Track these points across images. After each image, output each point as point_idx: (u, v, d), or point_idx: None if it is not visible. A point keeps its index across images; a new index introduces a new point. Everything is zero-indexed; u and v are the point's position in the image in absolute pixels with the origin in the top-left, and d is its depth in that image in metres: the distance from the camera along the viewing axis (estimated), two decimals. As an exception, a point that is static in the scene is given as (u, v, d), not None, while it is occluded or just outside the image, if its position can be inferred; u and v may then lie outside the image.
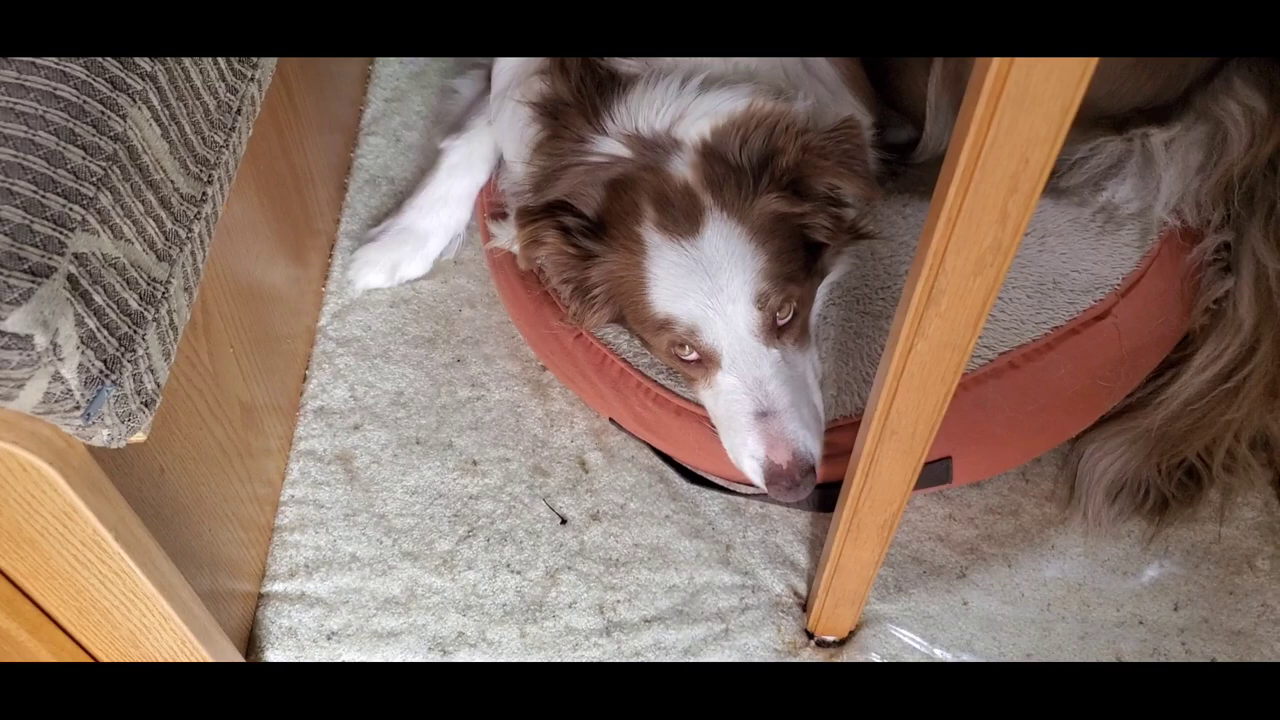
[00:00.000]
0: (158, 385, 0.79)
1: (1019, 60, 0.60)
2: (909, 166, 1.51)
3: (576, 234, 1.24)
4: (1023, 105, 0.61)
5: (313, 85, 1.50)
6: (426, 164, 1.64)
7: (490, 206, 1.51)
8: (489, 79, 1.52)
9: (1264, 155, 1.36)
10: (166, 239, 0.77)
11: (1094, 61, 0.60)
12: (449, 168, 1.55)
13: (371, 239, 1.59)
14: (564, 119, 1.29)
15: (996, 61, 0.61)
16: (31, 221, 0.65)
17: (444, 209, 1.56)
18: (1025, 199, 0.67)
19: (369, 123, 1.75)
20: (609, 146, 1.24)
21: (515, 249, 1.33)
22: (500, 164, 1.52)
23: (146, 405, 0.78)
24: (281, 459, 1.43)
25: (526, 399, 1.49)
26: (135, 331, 0.73)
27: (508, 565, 1.37)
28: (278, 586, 1.35)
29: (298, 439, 1.45)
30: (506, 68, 1.43)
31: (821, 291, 1.32)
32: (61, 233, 0.66)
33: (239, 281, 1.23)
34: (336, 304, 1.57)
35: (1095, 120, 1.41)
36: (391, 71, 1.80)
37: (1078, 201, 1.41)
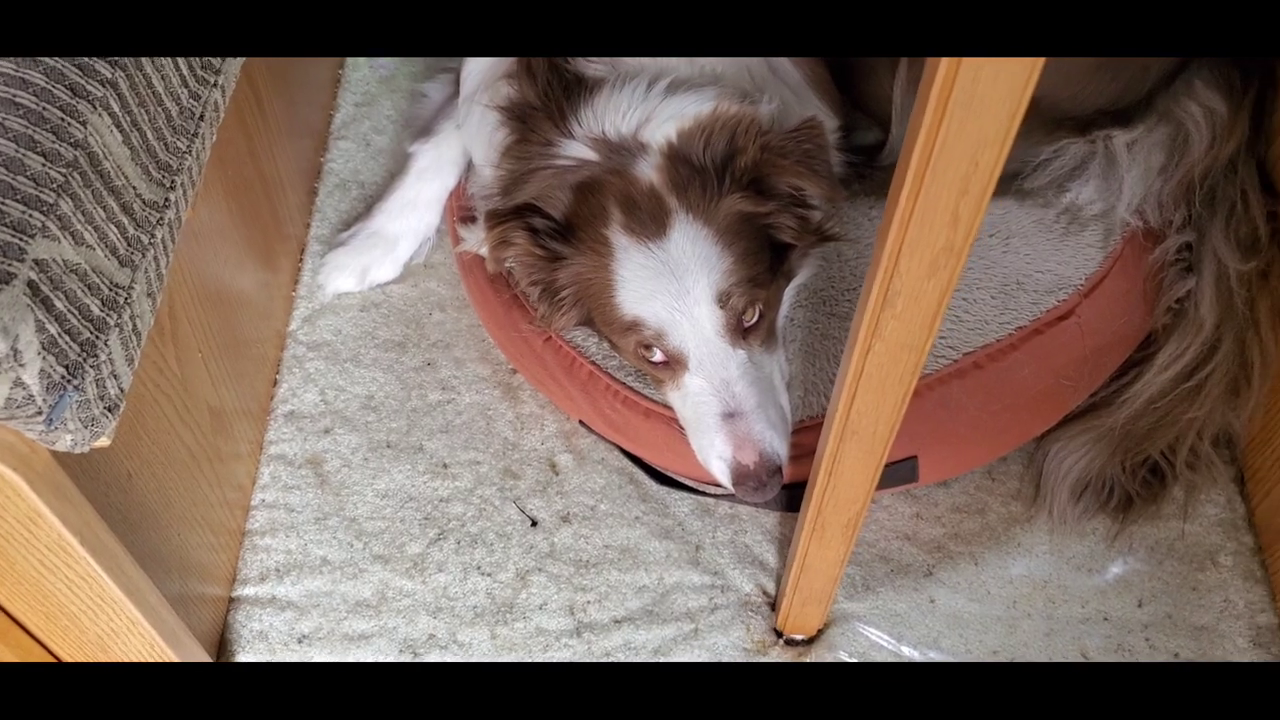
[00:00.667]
0: (121, 390, 0.79)
1: (966, 62, 0.61)
2: (875, 169, 1.52)
3: (544, 236, 1.25)
4: (970, 108, 0.62)
5: (282, 90, 1.50)
6: (396, 168, 1.64)
7: (459, 210, 1.52)
8: (457, 83, 1.53)
9: (1224, 156, 1.39)
10: (129, 244, 0.77)
11: (1039, 63, 0.61)
12: (418, 172, 1.56)
13: (341, 243, 1.59)
14: (531, 123, 1.30)
15: (944, 63, 0.62)
16: (-9, 228, 0.66)
17: (413, 213, 1.57)
18: (976, 201, 0.69)
19: (339, 127, 1.75)
20: (576, 150, 1.25)
21: (484, 252, 1.34)
22: (469, 168, 1.52)
23: (110, 410, 0.78)
24: (252, 463, 1.43)
25: (497, 402, 1.50)
26: (97, 337, 0.74)
27: (478, 567, 1.37)
28: (249, 590, 1.35)
29: (268, 443, 1.46)
30: (474, 72, 1.44)
31: (789, 293, 1.33)
32: (21, 239, 0.67)
33: (207, 286, 1.23)
34: (307, 308, 1.57)
35: (1059, 122, 1.42)
36: (361, 76, 1.80)
37: (1042, 203, 1.43)
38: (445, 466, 1.45)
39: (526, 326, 1.38)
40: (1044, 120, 1.42)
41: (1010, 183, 1.44)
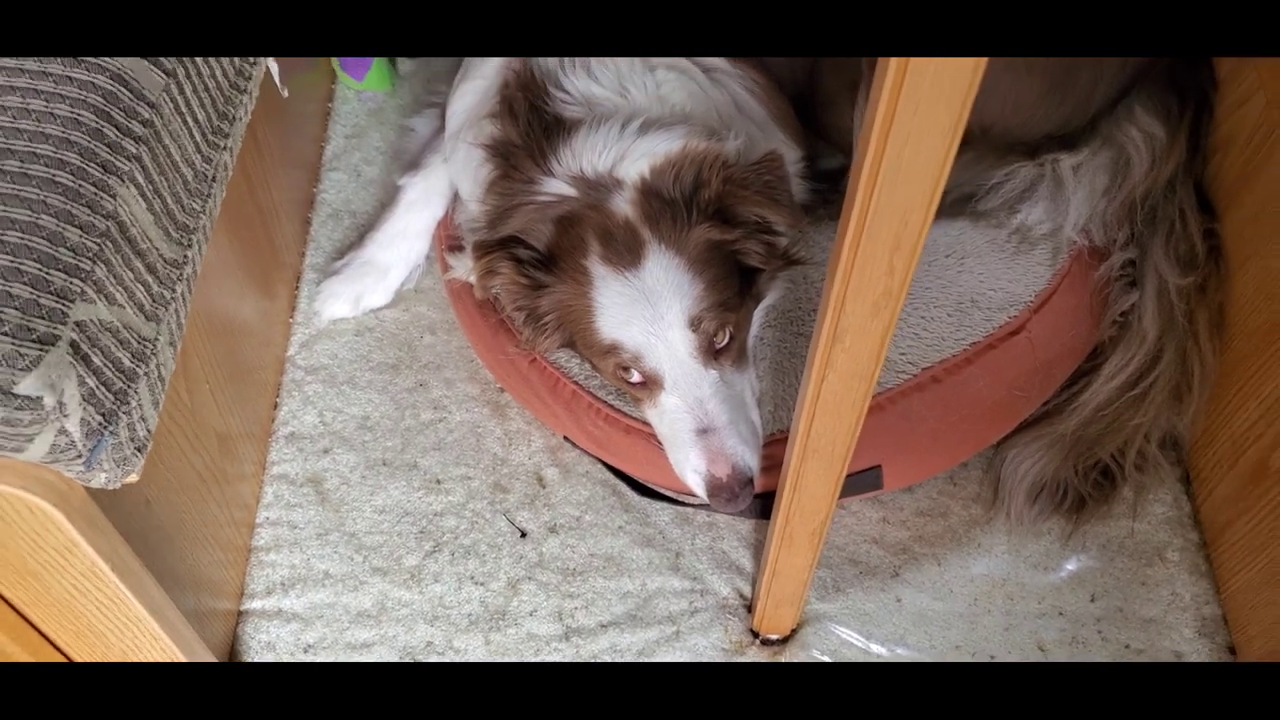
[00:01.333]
0: (149, 431, 0.87)
1: (894, 132, 0.69)
2: (838, 193, 1.60)
3: (528, 265, 1.34)
4: (899, 175, 0.71)
5: (275, 124, 1.58)
6: (386, 198, 1.72)
7: (447, 239, 1.60)
8: (443, 117, 1.62)
9: (1163, 178, 1.48)
10: (154, 301, 0.86)
11: (957, 140, 0.70)
12: (408, 204, 1.64)
13: (336, 272, 1.67)
14: (514, 160, 1.38)
15: (876, 133, 0.71)
16: (38, 296, 0.74)
17: (404, 242, 1.65)
18: (908, 254, 0.77)
19: (330, 159, 1.83)
20: (556, 187, 1.34)
21: (472, 279, 1.42)
22: (456, 199, 1.61)
23: (139, 450, 0.87)
24: (256, 483, 1.51)
25: (486, 419, 1.59)
26: (129, 386, 0.82)
27: (472, 577, 1.46)
28: (256, 604, 1.44)
29: (271, 464, 1.54)
30: (459, 110, 1.52)
31: (758, 315, 1.42)
32: (64, 304, 0.75)
33: (213, 319, 1.31)
34: (304, 334, 1.65)
35: (1010, 147, 1.51)
36: (350, 109, 1.88)
37: (994, 223, 1.52)
38: (438, 482, 1.53)
39: (513, 349, 1.47)
40: (995, 145, 1.51)
41: (965, 204, 1.53)
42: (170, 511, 1.19)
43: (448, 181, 1.62)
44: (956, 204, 1.53)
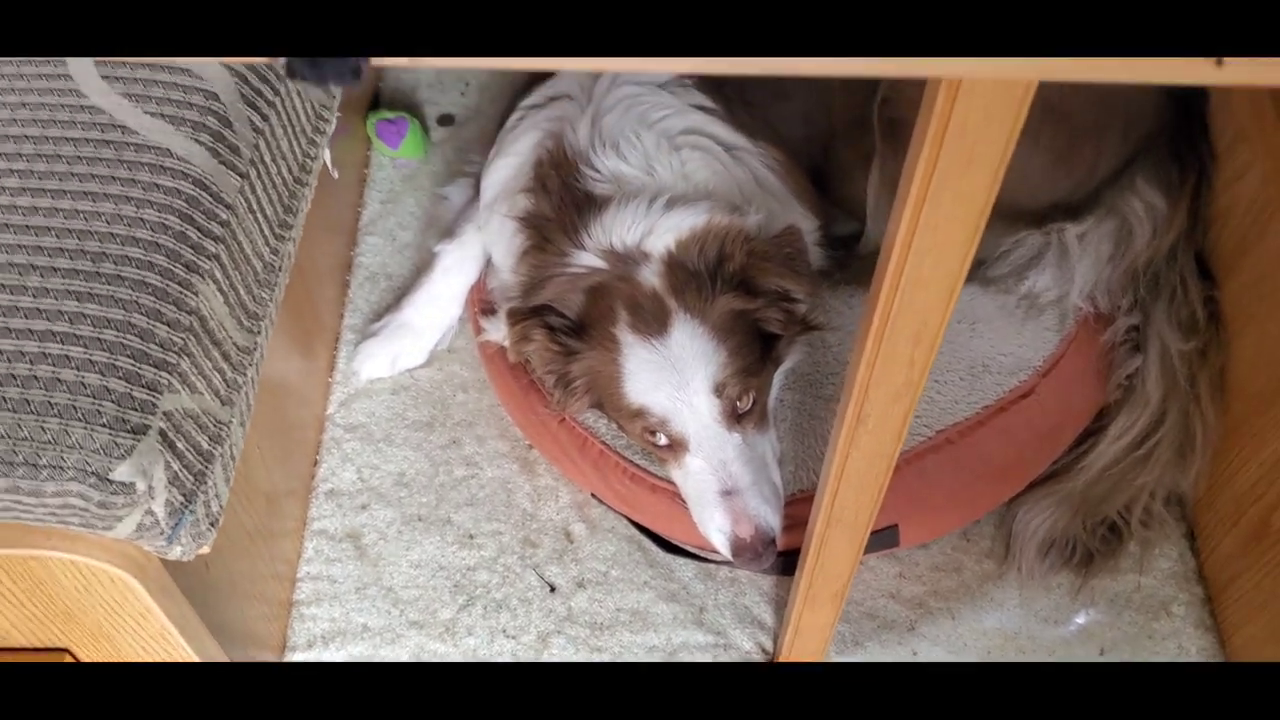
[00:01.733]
0: (221, 507, 0.94)
1: (914, 247, 0.77)
2: (854, 258, 1.68)
3: (560, 333, 1.41)
4: (918, 285, 0.78)
5: (316, 192, 1.65)
6: (421, 261, 1.80)
7: (480, 303, 1.67)
8: (476, 187, 1.69)
9: (1165, 247, 1.54)
10: (228, 386, 0.93)
11: (970, 256, 0.77)
12: (443, 269, 1.71)
13: (373, 333, 1.75)
14: (547, 233, 1.46)
15: (898, 247, 0.78)
16: (132, 390, 0.81)
17: (439, 306, 1.72)
18: (927, 349, 0.84)
19: (367, 223, 1.91)
20: (587, 259, 1.41)
21: (506, 343, 1.49)
22: (488, 264, 1.68)
23: (213, 525, 0.94)
24: (297, 539, 1.58)
25: (516, 476, 1.65)
26: (207, 468, 0.89)
27: (504, 631, 1.52)
28: (297, 656, 1.50)
29: (311, 520, 1.61)
30: (495, 183, 1.60)
31: (778, 378, 1.48)
32: (154, 396, 0.82)
33: (262, 383, 1.38)
34: (343, 393, 1.72)
35: (1018, 216, 1.58)
36: (386, 176, 1.96)
37: (1003, 289, 1.58)
38: (471, 537, 1.60)
39: (543, 409, 1.54)
40: (1004, 215, 1.57)
41: (976, 270, 1.60)
42: (224, 570, 1.25)
43: (481, 249, 1.69)
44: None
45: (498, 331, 1.55)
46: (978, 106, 0.65)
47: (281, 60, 0.51)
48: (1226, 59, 0.55)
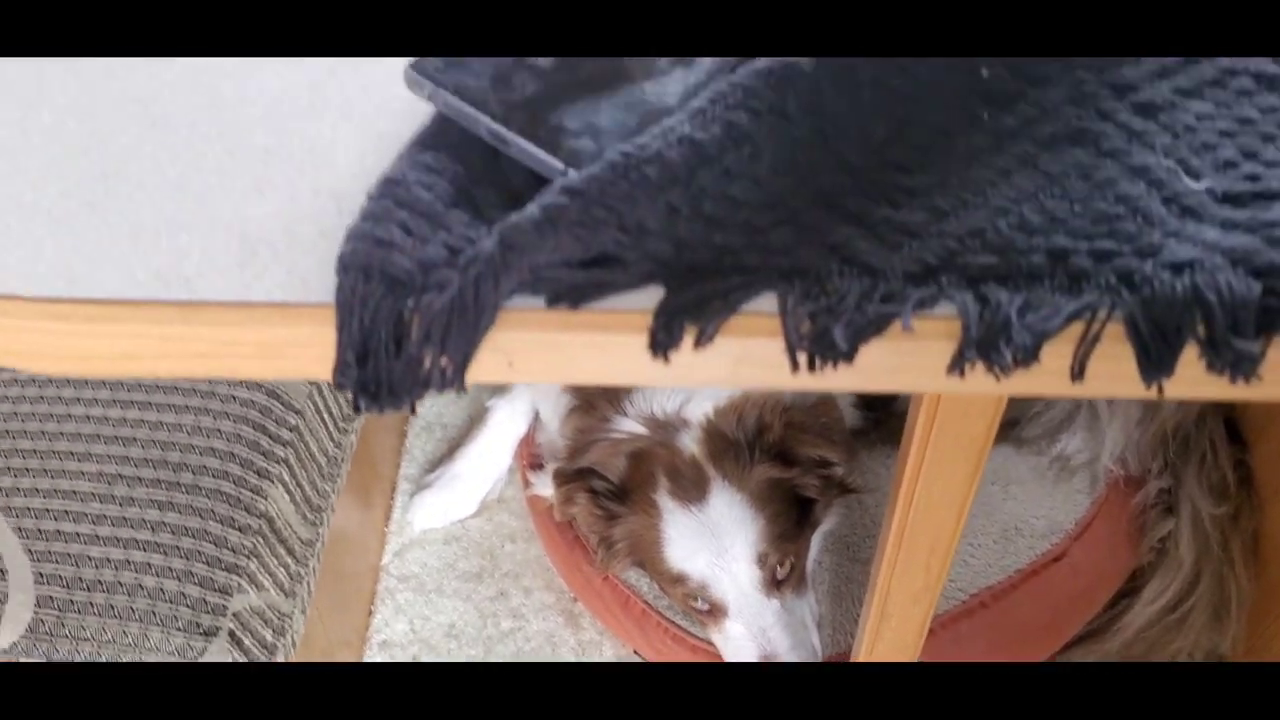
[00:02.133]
0: (281, 691, 1.01)
1: (922, 477, 0.82)
2: (891, 415, 1.73)
3: (603, 496, 1.47)
4: (929, 506, 0.84)
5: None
6: (475, 410, 1.88)
7: (529, 457, 1.75)
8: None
9: (1194, 411, 1.58)
10: (291, 579, 1.00)
11: (977, 478, 0.83)
12: (495, 424, 1.79)
13: (428, 484, 1.82)
14: (590, 395, 1.53)
15: (908, 472, 0.84)
16: (205, 595, 0.89)
17: (490, 458, 1.80)
18: (942, 557, 0.90)
19: (423, 375, 1.99)
20: (629, 426, 1.47)
21: (553, 501, 1.56)
22: (537, 419, 1.76)
23: (274, 710, 1.00)
24: (351, 690, 1.63)
25: (561, 629, 1.70)
26: (270, 658, 0.96)
27: (548, 784, 1.56)
28: (348, 806, 1.54)
29: (364, 669, 1.66)
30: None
31: (816, 540, 1.53)
32: (224, 599, 0.89)
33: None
34: (397, 543, 1.79)
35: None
36: (442, 329, 2.06)
37: (1035, 451, 1.62)
38: (517, 688, 1.64)
39: (587, 567, 1.59)
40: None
41: (1008, 430, 1.64)
42: (280, 731, 1.31)
43: (530, 404, 1.77)
44: (1001, 430, 1.63)
45: (545, 487, 1.61)
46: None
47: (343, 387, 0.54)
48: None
